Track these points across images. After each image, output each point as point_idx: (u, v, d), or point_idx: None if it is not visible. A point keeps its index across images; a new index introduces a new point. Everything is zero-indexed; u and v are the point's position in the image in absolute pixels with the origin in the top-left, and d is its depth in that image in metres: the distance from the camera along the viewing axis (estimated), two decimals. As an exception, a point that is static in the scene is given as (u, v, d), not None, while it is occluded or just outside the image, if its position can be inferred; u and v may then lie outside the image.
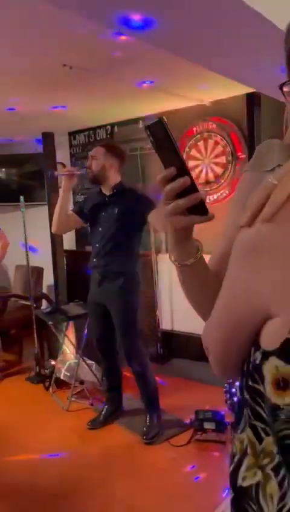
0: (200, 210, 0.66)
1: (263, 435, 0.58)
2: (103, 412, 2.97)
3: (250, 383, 0.58)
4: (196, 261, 0.78)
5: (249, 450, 0.60)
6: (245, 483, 0.60)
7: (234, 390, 2.79)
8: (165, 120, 0.65)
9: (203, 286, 0.83)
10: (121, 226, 2.66)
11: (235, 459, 0.63)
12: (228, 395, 2.85)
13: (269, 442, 0.57)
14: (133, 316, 2.75)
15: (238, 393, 0.66)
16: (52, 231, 2.95)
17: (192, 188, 0.65)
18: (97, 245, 2.74)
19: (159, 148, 0.66)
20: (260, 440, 0.58)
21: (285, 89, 0.68)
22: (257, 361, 0.56)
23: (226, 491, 2.22)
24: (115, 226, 2.67)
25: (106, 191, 2.74)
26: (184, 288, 0.85)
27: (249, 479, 0.60)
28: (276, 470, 0.56)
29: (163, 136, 0.65)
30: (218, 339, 0.65)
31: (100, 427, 2.91)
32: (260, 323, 0.56)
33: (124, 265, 2.69)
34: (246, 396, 0.60)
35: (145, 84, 2.85)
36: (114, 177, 2.70)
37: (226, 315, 0.62)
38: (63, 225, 2.83)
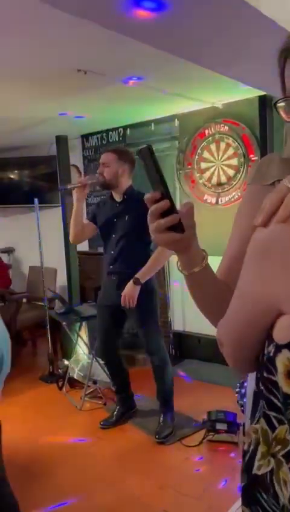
0: (178, 228, 0.75)
1: (276, 423, 0.61)
2: (115, 412, 3.01)
3: (265, 374, 0.62)
4: (201, 269, 0.83)
5: (262, 439, 0.64)
6: (260, 472, 0.63)
7: (244, 391, 2.81)
8: (152, 148, 0.73)
9: (210, 292, 0.87)
10: (133, 231, 2.69)
11: (250, 449, 0.67)
12: (239, 396, 2.87)
13: (281, 430, 0.60)
14: (154, 315, 2.81)
15: (254, 386, 0.69)
16: (71, 241, 2.98)
17: (172, 210, 0.74)
18: (112, 252, 2.77)
19: (147, 171, 0.74)
20: (273, 429, 0.62)
21: (279, 104, 0.72)
22: (271, 354, 0.60)
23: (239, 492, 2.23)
24: (127, 234, 2.71)
25: (117, 197, 2.78)
26: (192, 294, 0.89)
27: (264, 467, 0.63)
28: (287, 456, 0.59)
29: (149, 161, 0.73)
30: (232, 334, 0.68)
31: (112, 426, 2.94)
32: (273, 320, 0.60)
33: (141, 268, 2.69)
34: (262, 387, 0.64)
35: (163, 93, 2.88)
36: (125, 182, 2.74)
37: (240, 312, 0.66)
38: (79, 235, 2.89)
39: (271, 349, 0.60)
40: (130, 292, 2.61)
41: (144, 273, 2.64)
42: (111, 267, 2.79)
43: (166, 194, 0.74)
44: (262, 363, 0.63)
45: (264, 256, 0.58)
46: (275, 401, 0.60)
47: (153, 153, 0.72)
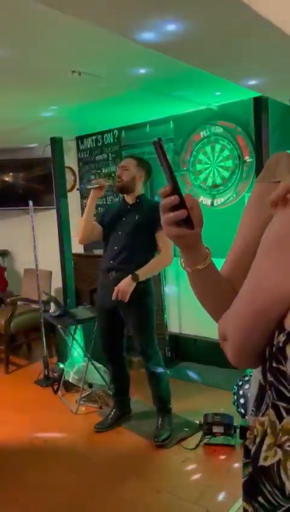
0: (188, 224, 0.78)
1: (284, 414, 0.62)
2: (111, 416, 2.98)
3: (274, 364, 0.62)
4: (205, 267, 0.84)
5: (269, 430, 0.64)
6: (267, 463, 0.64)
7: (241, 392, 2.80)
8: (161, 142, 0.77)
9: (212, 290, 0.89)
10: (140, 231, 2.72)
11: (257, 441, 0.67)
12: (236, 397, 2.86)
13: (289, 420, 0.61)
14: (150, 318, 2.80)
15: (261, 379, 0.69)
16: (78, 241, 2.97)
17: (181, 205, 0.77)
18: (116, 247, 2.77)
19: (161, 165, 0.78)
20: (281, 419, 0.62)
21: None
22: (281, 344, 0.61)
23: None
24: (134, 231, 2.74)
25: (130, 200, 2.83)
26: (195, 292, 0.90)
27: (270, 459, 0.63)
28: None
29: (160, 155, 0.77)
30: (240, 327, 0.68)
31: (107, 430, 2.92)
32: (285, 310, 0.61)
33: (141, 268, 2.69)
34: (270, 378, 0.64)
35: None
36: (140, 188, 2.82)
37: (250, 304, 0.66)
38: (88, 235, 2.89)
39: (281, 338, 0.61)
40: (125, 286, 2.61)
41: (144, 272, 2.66)
42: (112, 262, 2.77)
43: (175, 189, 0.76)
44: (271, 354, 0.64)
45: (284, 246, 0.60)
46: (285, 391, 0.61)
47: (162, 146, 0.75)
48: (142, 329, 2.77)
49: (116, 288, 2.63)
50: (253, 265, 0.66)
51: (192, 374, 3.72)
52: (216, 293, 0.89)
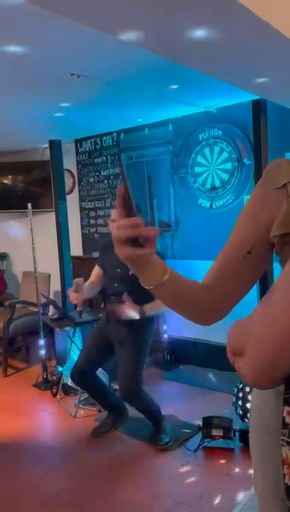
0: (136, 244, 0.78)
1: None
2: (108, 420, 2.97)
3: None
4: (164, 284, 0.84)
5: None
6: None
7: (241, 395, 2.79)
8: (123, 168, 0.79)
9: (182, 301, 0.91)
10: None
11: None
12: (235, 399, 2.85)
13: None
14: (141, 363, 2.70)
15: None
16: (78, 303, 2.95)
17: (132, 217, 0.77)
18: (119, 270, 2.65)
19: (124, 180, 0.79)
20: None
21: None
22: None
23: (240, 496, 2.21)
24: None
25: None
26: (164, 304, 0.93)
27: None
28: None
29: (122, 176, 0.82)
30: (272, 344, 0.60)
31: (104, 435, 2.91)
32: None
33: (141, 301, 2.60)
34: None
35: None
36: None
37: (287, 313, 0.58)
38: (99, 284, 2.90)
39: None
40: (129, 308, 2.57)
41: (149, 308, 2.59)
42: (116, 285, 2.70)
43: (130, 207, 0.77)
44: None
45: None
46: None
47: (123, 171, 0.78)
48: (132, 367, 2.66)
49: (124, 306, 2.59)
50: (281, 279, 0.61)
51: (191, 377, 3.71)
52: (187, 303, 0.91)
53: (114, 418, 2.97)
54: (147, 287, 0.86)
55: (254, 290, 3.49)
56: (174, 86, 2.79)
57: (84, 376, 2.85)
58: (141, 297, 2.51)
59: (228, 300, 0.95)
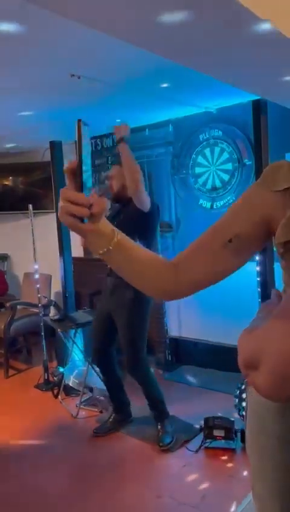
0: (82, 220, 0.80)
1: None
2: (110, 420, 2.97)
3: None
4: (110, 250, 0.86)
5: None
6: None
7: (243, 395, 2.79)
8: (80, 124, 0.77)
9: (131, 270, 0.91)
10: (132, 233, 2.67)
11: None
12: (238, 400, 2.85)
13: None
14: (138, 329, 2.73)
15: None
16: (82, 245, 2.89)
17: (81, 190, 0.78)
18: None
19: (78, 143, 0.77)
20: None
21: None
22: None
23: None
24: (128, 234, 2.69)
25: (123, 202, 2.80)
26: (114, 270, 0.93)
27: None
28: None
29: (78, 136, 0.77)
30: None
31: (106, 434, 2.91)
32: None
33: None
34: None
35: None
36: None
37: None
38: None
39: None
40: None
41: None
42: (109, 266, 2.69)
43: (80, 175, 0.77)
44: None
45: None
46: None
47: (80, 127, 0.76)
48: (130, 334, 2.71)
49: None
50: None
51: (192, 378, 3.71)
52: (139, 275, 0.91)
53: (117, 418, 2.97)
54: (95, 254, 0.87)
55: (255, 291, 3.51)
56: (174, 87, 2.79)
57: (103, 355, 2.88)
58: None
59: (193, 284, 0.94)
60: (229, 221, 0.90)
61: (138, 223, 2.66)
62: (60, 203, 0.78)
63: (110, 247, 0.85)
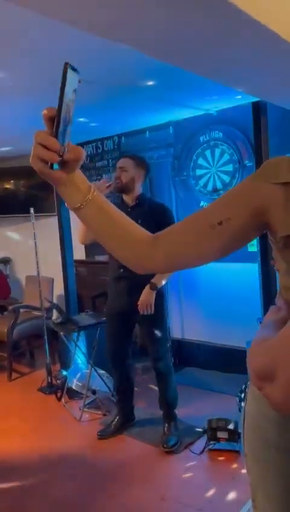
0: (52, 167, 0.76)
1: None
2: (114, 422, 2.97)
3: None
4: (86, 207, 0.84)
5: None
6: None
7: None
8: (66, 68, 0.72)
9: (103, 230, 0.89)
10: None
11: None
12: (240, 402, 2.84)
13: None
14: (164, 320, 2.86)
15: None
16: (80, 242, 2.89)
17: (56, 137, 0.74)
18: None
19: (61, 87, 0.73)
20: None
21: None
22: None
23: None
24: None
25: (129, 201, 2.78)
26: (86, 226, 0.91)
27: None
28: None
29: (62, 80, 0.72)
30: None
31: (110, 437, 2.91)
32: None
33: (152, 275, 2.67)
34: None
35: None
36: (139, 188, 2.77)
37: None
38: (90, 237, 2.80)
39: None
40: (147, 298, 2.63)
41: (160, 278, 2.65)
42: (122, 270, 2.69)
43: (57, 122, 0.73)
44: None
45: None
46: None
47: (65, 74, 0.72)
48: (156, 329, 2.79)
49: (140, 302, 2.63)
50: None
51: (195, 379, 3.70)
52: (114, 235, 0.89)
53: (121, 421, 2.97)
54: (71, 209, 0.86)
55: (257, 290, 3.49)
56: (174, 89, 2.80)
57: (120, 357, 2.90)
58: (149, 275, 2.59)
59: (170, 259, 0.91)
60: (222, 205, 0.88)
61: (158, 228, 2.66)
62: (33, 146, 0.76)
63: (84, 203, 0.84)
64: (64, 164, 0.78)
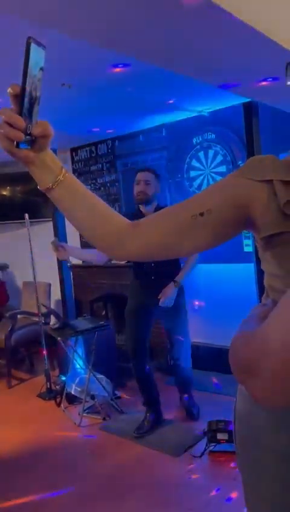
0: (18, 145, 0.74)
1: None
2: (147, 419, 2.99)
3: None
4: (58, 186, 0.83)
5: None
6: None
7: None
8: (29, 44, 0.68)
9: (77, 213, 0.87)
10: None
11: None
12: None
13: None
14: (185, 315, 3.05)
15: None
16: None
17: (20, 114, 0.71)
18: (153, 264, 2.87)
19: (24, 63, 0.69)
20: None
21: None
22: None
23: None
24: None
25: (149, 212, 2.89)
26: (59, 209, 0.89)
27: None
28: None
29: (25, 56, 0.68)
30: None
31: (146, 435, 2.92)
32: None
33: (175, 270, 2.90)
34: None
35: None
36: (155, 200, 2.95)
37: None
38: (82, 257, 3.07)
39: None
40: (169, 291, 2.83)
41: (182, 276, 2.88)
42: (153, 278, 2.88)
43: (21, 98, 0.70)
44: None
45: None
46: None
47: (28, 49, 0.68)
48: (179, 325, 3.01)
49: (162, 296, 2.81)
50: None
51: (194, 381, 3.69)
52: (84, 220, 0.87)
53: (154, 418, 3.00)
54: (42, 189, 0.84)
55: (254, 290, 3.49)
56: (167, 92, 2.81)
57: (142, 353, 2.99)
58: (171, 270, 2.86)
59: (145, 246, 0.89)
60: (203, 198, 0.87)
61: None
62: None
63: (56, 184, 0.82)
64: (32, 142, 0.77)
